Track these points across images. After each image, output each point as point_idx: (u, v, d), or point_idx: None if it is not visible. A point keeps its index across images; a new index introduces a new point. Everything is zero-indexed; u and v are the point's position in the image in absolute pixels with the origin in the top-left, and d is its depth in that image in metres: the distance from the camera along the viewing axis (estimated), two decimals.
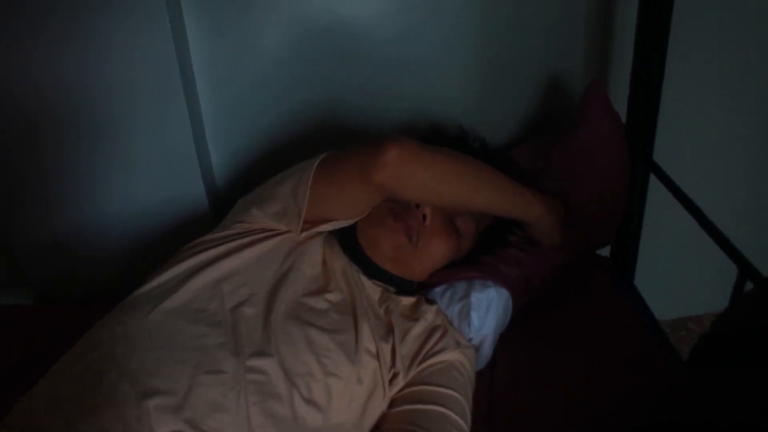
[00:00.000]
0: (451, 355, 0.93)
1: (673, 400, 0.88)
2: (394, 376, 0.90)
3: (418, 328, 0.96)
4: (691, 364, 0.93)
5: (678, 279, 1.58)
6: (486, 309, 0.98)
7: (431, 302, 1.02)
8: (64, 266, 1.25)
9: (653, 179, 1.20)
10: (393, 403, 0.90)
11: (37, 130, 1.12)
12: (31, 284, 1.27)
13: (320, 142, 1.22)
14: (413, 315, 0.98)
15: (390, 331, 0.93)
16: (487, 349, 1.00)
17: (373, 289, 1.00)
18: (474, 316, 0.97)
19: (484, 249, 1.09)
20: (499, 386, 1.00)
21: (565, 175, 1.21)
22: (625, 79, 1.21)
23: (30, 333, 1.15)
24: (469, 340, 0.98)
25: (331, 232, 1.03)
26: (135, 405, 0.72)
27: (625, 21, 1.27)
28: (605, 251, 1.32)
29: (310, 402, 0.82)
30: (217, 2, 1.17)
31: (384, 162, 0.90)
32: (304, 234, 0.98)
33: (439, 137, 1.14)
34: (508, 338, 1.06)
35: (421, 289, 1.05)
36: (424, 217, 1.01)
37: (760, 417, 0.68)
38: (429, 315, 0.98)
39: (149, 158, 1.17)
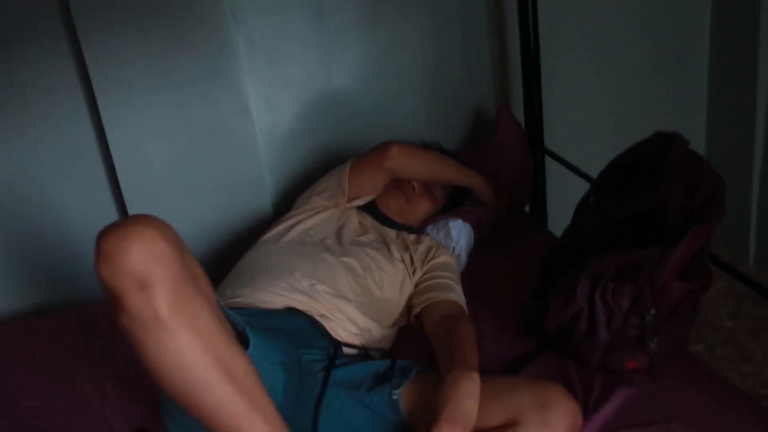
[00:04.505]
0: (444, 258, 1.59)
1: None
2: (414, 270, 1.56)
3: (422, 248, 1.63)
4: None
5: None
6: (459, 231, 1.68)
7: (426, 236, 1.70)
8: None
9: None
10: (417, 285, 1.55)
11: None
12: None
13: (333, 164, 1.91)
14: (417, 243, 1.66)
15: (406, 248, 1.61)
16: (464, 258, 1.69)
17: (390, 232, 1.67)
18: (453, 232, 1.66)
19: (452, 205, 1.79)
20: (474, 279, 1.68)
21: (490, 166, 1.93)
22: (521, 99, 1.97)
23: None
24: (453, 250, 1.66)
25: (360, 208, 1.71)
26: (289, 274, 1.37)
27: (517, 62, 2.02)
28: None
29: (374, 282, 1.47)
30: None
31: (390, 154, 1.62)
32: (348, 205, 1.67)
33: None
34: (474, 255, 1.75)
35: (419, 231, 1.74)
36: (414, 188, 1.72)
37: (603, 224, 1.36)
38: (426, 241, 1.66)
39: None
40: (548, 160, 1.98)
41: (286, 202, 1.86)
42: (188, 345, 0.89)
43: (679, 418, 1.16)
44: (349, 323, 1.34)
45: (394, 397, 1.14)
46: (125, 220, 0.90)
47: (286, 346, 1.20)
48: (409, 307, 1.52)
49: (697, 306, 1.32)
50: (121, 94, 1.68)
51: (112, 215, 1.87)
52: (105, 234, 0.87)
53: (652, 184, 1.32)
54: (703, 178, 1.30)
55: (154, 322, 0.86)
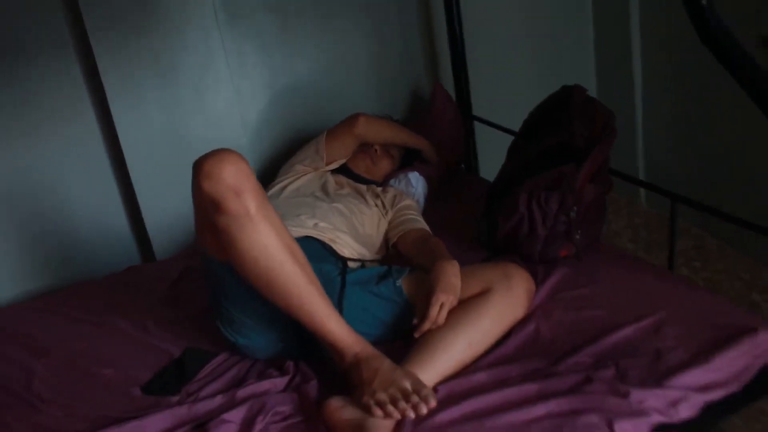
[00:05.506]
0: (407, 201, 1.98)
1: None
2: (386, 212, 1.95)
3: (389, 196, 2.01)
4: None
5: None
6: (416, 180, 2.09)
7: (391, 187, 2.10)
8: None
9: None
10: (390, 223, 1.94)
11: None
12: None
13: (302, 141, 2.28)
14: (384, 193, 2.05)
15: (377, 196, 2.00)
16: (422, 202, 2.10)
17: (362, 187, 2.05)
18: (412, 181, 2.07)
19: (406, 162, 2.20)
20: (431, 218, 2.09)
21: (430, 134, 2.35)
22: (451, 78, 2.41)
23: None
24: (413, 196, 2.07)
25: (333, 171, 2.09)
26: (296, 217, 1.72)
27: (446, 47, 2.45)
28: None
29: (358, 222, 1.85)
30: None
31: (359, 122, 2.02)
32: (325, 168, 2.04)
33: None
34: (428, 202, 2.16)
35: (383, 184, 2.13)
36: (376, 150, 2.11)
37: (531, 157, 1.81)
38: (391, 191, 2.05)
39: None
40: (477, 124, 2.42)
41: (267, 172, 2.21)
42: (269, 235, 1.25)
43: (599, 282, 1.60)
44: (348, 247, 1.72)
45: (398, 284, 1.52)
46: (216, 151, 1.25)
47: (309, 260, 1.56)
48: (386, 240, 1.91)
49: (605, 205, 1.78)
50: (127, 87, 2.00)
51: (115, 196, 2.16)
52: (204, 161, 1.23)
53: (563, 123, 1.78)
54: (599, 113, 1.76)
55: (246, 218, 1.22)
